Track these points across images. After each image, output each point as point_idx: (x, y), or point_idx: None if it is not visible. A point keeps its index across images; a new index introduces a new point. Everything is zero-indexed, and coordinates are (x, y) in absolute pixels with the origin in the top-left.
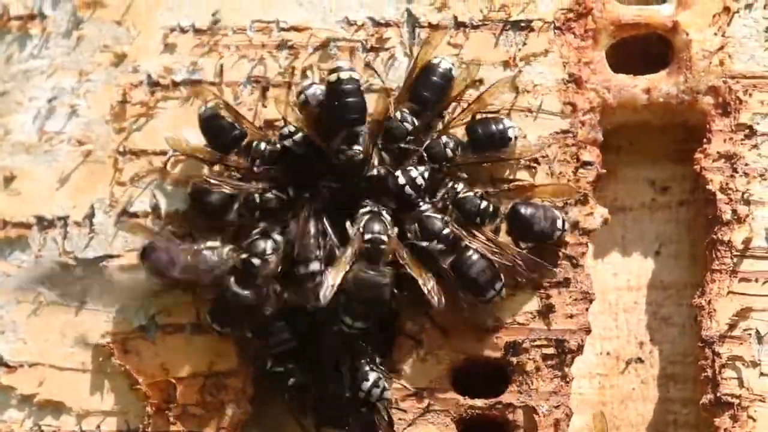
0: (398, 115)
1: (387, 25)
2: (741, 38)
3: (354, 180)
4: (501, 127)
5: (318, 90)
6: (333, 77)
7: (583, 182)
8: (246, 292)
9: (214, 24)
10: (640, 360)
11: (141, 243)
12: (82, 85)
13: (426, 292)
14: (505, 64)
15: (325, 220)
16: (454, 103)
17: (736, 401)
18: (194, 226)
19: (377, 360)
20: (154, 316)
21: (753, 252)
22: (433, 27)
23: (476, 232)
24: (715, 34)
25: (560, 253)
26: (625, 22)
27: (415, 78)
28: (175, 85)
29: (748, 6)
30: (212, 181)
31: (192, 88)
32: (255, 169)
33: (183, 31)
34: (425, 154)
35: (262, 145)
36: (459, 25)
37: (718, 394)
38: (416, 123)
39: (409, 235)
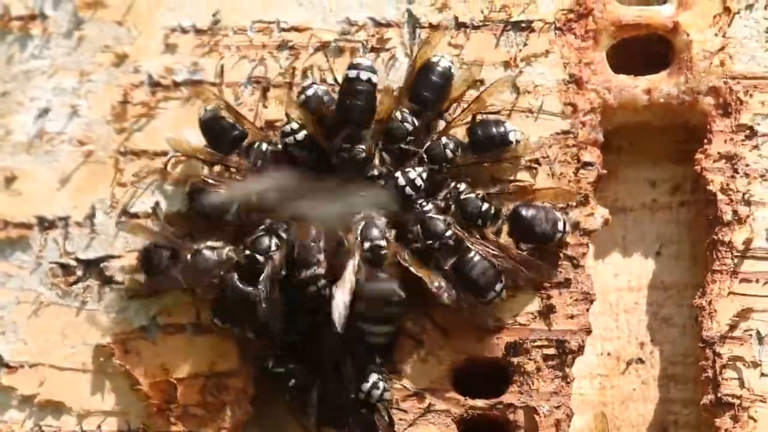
0: (398, 115)
1: (388, 25)
2: (742, 39)
3: (355, 180)
4: (502, 129)
5: (319, 90)
6: (352, 73)
7: (583, 183)
8: (249, 289)
9: (214, 24)
10: (640, 360)
11: (142, 243)
12: (83, 86)
13: (435, 289)
14: (506, 65)
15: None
16: (454, 104)
17: (737, 402)
18: (194, 227)
19: (377, 361)
20: (155, 316)
21: (754, 253)
22: (434, 27)
23: (478, 234)
24: (716, 34)
25: (561, 254)
26: (626, 23)
27: (415, 77)
28: (176, 85)
29: (749, 6)
30: (210, 181)
31: (193, 88)
32: (256, 169)
33: (184, 31)
34: (425, 156)
35: (264, 146)
36: (460, 25)
37: (719, 395)
38: (416, 123)
39: (410, 236)
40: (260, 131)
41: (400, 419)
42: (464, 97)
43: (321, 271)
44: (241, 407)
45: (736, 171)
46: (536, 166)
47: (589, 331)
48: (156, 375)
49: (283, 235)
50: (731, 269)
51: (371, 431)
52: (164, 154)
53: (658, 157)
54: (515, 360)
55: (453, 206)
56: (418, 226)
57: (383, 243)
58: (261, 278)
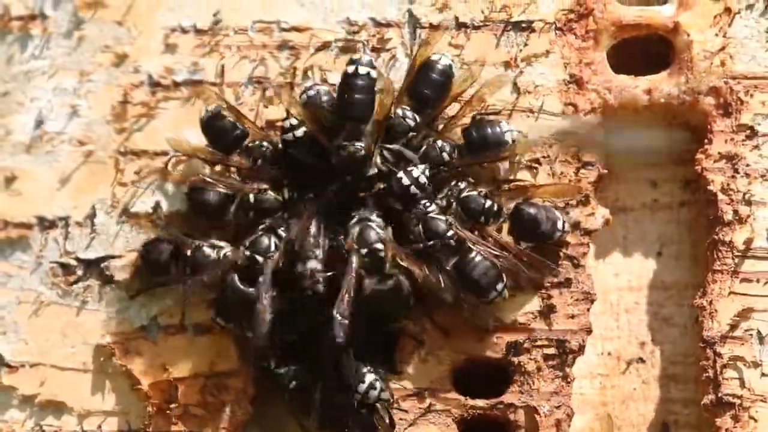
0: (400, 112)
1: (388, 25)
2: (742, 39)
3: (354, 177)
4: (497, 130)
5: (320, 90)
6: (351, 68)
7: (584, 183)
8: (250, 290)
9: (215, 24)
10: (641, 360)
11: (145, 239)
12: (83, 86)
13: (434, 284)
14: (507, 65)
15: (325, 221)
16: (454, 103)
17: (738, 401)
18: (194, 226)
19: (375, 361)
20: (155, 316)
21: (754, 252)
22: (435, 27)
23: (479, 232)
24: (716, 34)
25: (562, 254)
26: (626, 23)
27: (415, 75)
28: (176, 85)
29: (749, 7)
30: (208, 180)
31: (194, 88)
32: (256, 169)
33: (184, 31)
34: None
35: (264, 145)
36: (460, 25)
37: (720, 395)
38: (418, 119)
39: (411, 237)
40: (261, 131)
41: (401, 419)
42: (465, 96)
43: (318, 265)
44: (241, 407)
45: (736, 171)
46: (537, 165)
47: (589, 331)
48: (156, 375)
49: (283, 234)
50: (732, 269)
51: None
52: (164, 153)
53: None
54: (516, 360)
55: (454, 205)
56: (420, 226)
57: (381, 246)
58: (260, 280)
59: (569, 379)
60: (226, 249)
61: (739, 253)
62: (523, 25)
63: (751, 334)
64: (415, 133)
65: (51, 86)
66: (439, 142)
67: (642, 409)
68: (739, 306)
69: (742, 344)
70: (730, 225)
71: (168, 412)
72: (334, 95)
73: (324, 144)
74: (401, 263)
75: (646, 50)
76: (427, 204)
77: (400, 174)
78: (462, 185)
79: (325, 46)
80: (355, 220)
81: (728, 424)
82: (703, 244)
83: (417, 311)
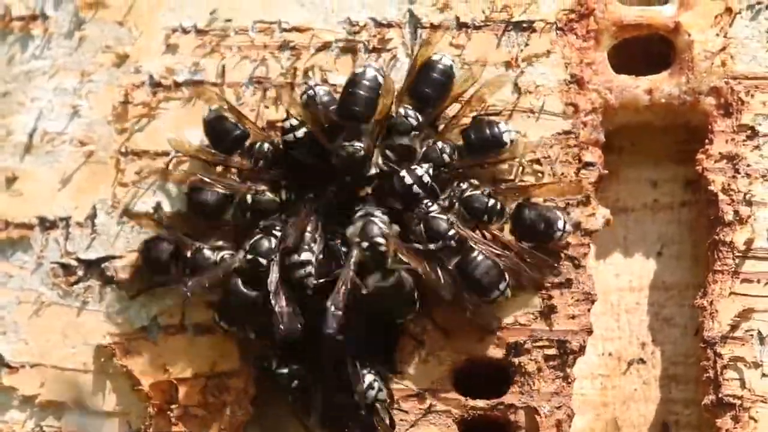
0: (401, 111)
1: (389, 25)
2: (743, 39)
3: (354, 178)
4: (495, 131)
5: (321, 90)
6: (360, 69)
7: (585, 183)
8: (253, 293)
9: (215, 23)
10: (642, 361)
11: (146, 237)
12: (84, 86)
13: (434, 280)
14: (508, 65)
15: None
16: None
17: (738, 402)
18: (194, 227)
19: (374, 361)
20: (156, 317)
21: (755, 253)
22: (435, 28)
23: (482, 232)
24: (717, 35)
25: (562, 254)
26: (627, 23)
27: (416, 75)
28: (177, 85)
29: (750, 7)
30: (207, 180)
31: (195, 88)
32: (257, 170)
33: (185, 31)
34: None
35: (266, 146)
36: (461, 25)
37: (720, 395)
38: (420, 119)
39: (412, 237)
40: (262, 131)
41: (401, 420)
42: (465, 96)
43: (309, 257)
44: (242, 407)
45: (737, 171)
46: (538, 166)
47: (590, 332)
48: (157, 375)
49: (279, 233)
50: (732, 269)
51: None
52: (165, 154)
53: (659, 157)
54: (516, 360)
55: (457, 204)
56: (421, 225)
57: (382, 241)
58: (269, 281)
59: (570, 380)
60: (227, 252)
61: (740, 254)
62: (524, 25)
63: (751, 335)
64: (416, 133)
65: (52, 86)
66: (439, 144)
67: (643, 409)
68: (739, 306)
69: (743, 345)
70: (731, 225)
71: (168, 412)
72: (335, 96)
73: (324, 144)
74: (402, 259)
75: (647, 50)
76: (429, 204)
77: (403, 173)
78: (464, 185)
79: (325, 47)
80: (359, 213)
81: (729, 425)
82: (703, 245)
83: (418, 311)
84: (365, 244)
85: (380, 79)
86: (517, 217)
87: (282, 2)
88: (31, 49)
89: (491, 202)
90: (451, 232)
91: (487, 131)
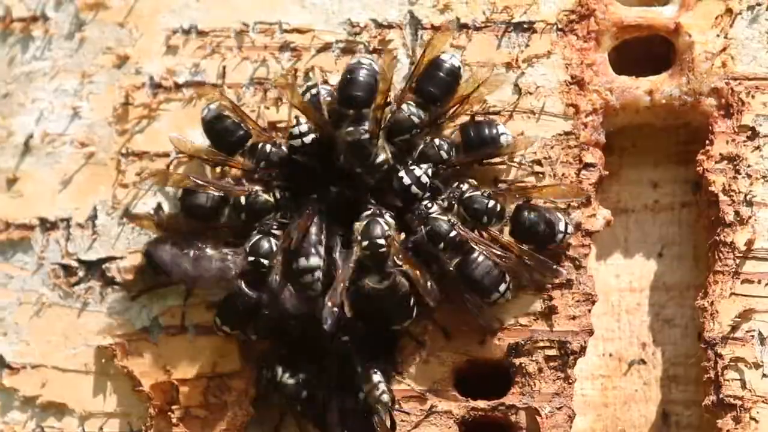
0: (405, 107)
1: (389, 26)
2: (743, 40)
3: (362, 165)
4: (494, 132)
5: (323, 91)
6: (354, 60)
7: (585, 184)
8: (257, 294)
9: (216, 24)
10: (642, 361)
11: (147, 239)
12: (84, 87)
13: (421, 289)
14: (508, 66)
15: (328, 223)
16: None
17: (739, 403)
18: (191, 229)
19: (376, 363)
20: (156, 317)
21: (756, 253)
22: (436, 29)
23: (482, 233)
24: (718, 35)
25: (563, 255)
26: (628, 24)
27: (422, 73)
28: (178, 86)
29: (751, 8)
30: (200, 183)
31: (198, 89)
32: (258, 171)
33: (185, 32)
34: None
35: (268, 147)
36: (462, 26)
37: (721, 396)
38: (423, 116)
39: (412, 238)
40: (264, 132)
41: (402, 420)
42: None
43: (318, 262)
44: (243, 408)
45: (737, 172)
46: (538, 167)
47: (591, 332)
48: (158, 376)
49: (278, 233)
50: (733, 270)
51: None
52: (166, 155)
53: (660, 158)
54: (517, 361)
55: (456, 205)
56: (422, 227)
57: (382, 242)
58: (270, 280)
59: (571, 381)
60: (230, 253)
61: (741, 254)
62: (525, 26)
63: (752, 335)
64: (419, 130)
65: (52, 88)
66: (437, 141)
67: (643, 410)
68: (740, 307)
69: (743, 345)
70: (732, 226)
71: (169, 413)
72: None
73: (329, 133)
74: (398, 262)
75: (648, 51)
76: (429, 204)
77: (402, 173)
78: (464, 186)
79: (326, 48)
80: (368, 212)
81: (729, 425)
82: (704, 245)
83: (413, 318)
84: (365, 243)
85: (376, 66)
86: (516, 219)
87: (283, 3)
88: (31, 50)
89: (491, 203)
90: (453, 234)
91: (486, 131)
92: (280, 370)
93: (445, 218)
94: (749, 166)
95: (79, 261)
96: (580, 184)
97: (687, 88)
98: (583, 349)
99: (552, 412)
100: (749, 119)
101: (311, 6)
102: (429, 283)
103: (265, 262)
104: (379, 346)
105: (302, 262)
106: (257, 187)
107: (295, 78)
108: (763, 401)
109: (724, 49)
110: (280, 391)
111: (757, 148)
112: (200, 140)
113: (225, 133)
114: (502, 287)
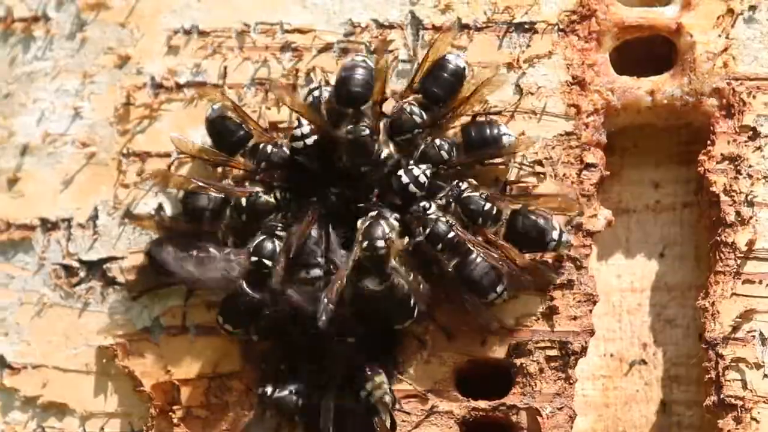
0: (407, 107)
1: (391, 27)
2: (745, 40)
3: (367, 161)
4: (496, 132)
5: (325, 93)
6: (348, 59)
7: (587, 184)
8: (260, 294)
9: (217, 24)
10: (643, 362)
11: (150, 239)
12: (85, 87)
13: (415, 288)
14: (509, 66)
15: (329, 226)
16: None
17: (740, 403)
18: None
19: (378, 363)
20: (158, 317)
21: (757, 254)
22: (437, 29)
23: (479, 234)
24: (719, 36)
25: (564, 256)
26: (629, 24)
27: (426, 72)
28: (179, 87)
29: (752, 8)
30: (200, 184)
31: (200, 89)
32: (259, 171)
33: (186, 33)
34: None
35: (269, 148)
36: (463, 27)
37: (722, 396)
38: (425, 116)
39: (411, 239)
40: (265, 132)
41: (403, 421)
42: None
43: (318, 273)
44: (244, 408)
45: (739, 172)
46: (540, 168)
47: (592, 333)
48: (159, 376)
49: (281, 234)
50: (734, 270)
51: None
52: (167, 155)
53: (661, 158)
54: (518, 361)
55: (454, 204)
56: (421, 227)
57: (381, 243)
58: (273, 281)
59: (572, 381)
60: (234, 252)
61: (742, 255)
62: (526, 26)
63: (753, 336)
64: (421, 130)
65: (54, 88)
66: (438, 141)
67: (644, 410)
68: (741, 307)
69: (745, 345)
70: (733, 226)
71: (170, 413)
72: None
73: (331, 135)
74: (395, 264)
75: (649, 51)
76: (426, 205)
77: (400, 172)
78: (463, 185)
79: (327, 48)
80: (372, 213)
81: (730, 426)
82: (705, 246)
83: (414, 320)
84: (365, 244)
85: (370, 62)
86: (511, 224)
87: (284, 4)
88: (33, 50)
89: (488, 205)
90: (451, 235)
91: (488, 131)
92: (270, 389)
93: (444, 219)
94: (750, 166)
95: (80, 261)
96: (581, 184)
97: (688, 88)
98: (584, 350)
99: (553, 413)
100: (750, 119)
101: (312, 6)
102: (420, 286)
103: (268, 262)
104: (379, 346)
105: (302, 274)
106: (258, 188)
107: (296, 78)
108: (764, 401)
109: (725, 50)
110: (275, 407)
111: (759, 148)
112: (201, 140)
113: (226, 133)
114: (500, 288)
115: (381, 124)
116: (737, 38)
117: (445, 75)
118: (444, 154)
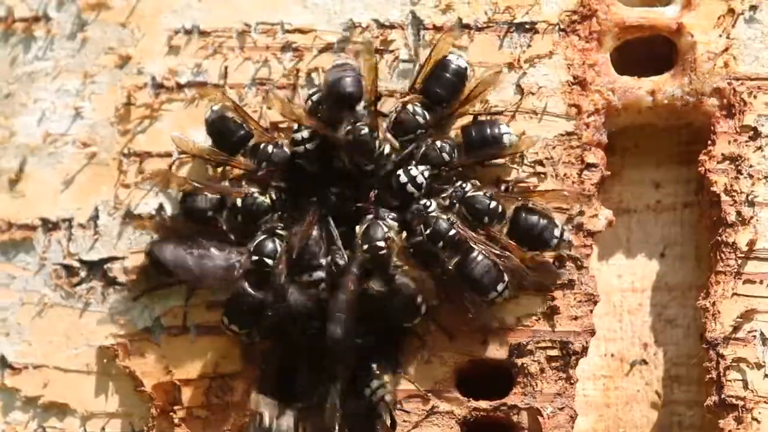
0: (410, 107)
1: (391, 27)
2: (746, 40)
3: (370, 159)
4: (497, 131)
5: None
6: (333, 62)
7: (587, 184)
8: (262, 294)
9: (218, 24)
10: (644, 362)
11: (150, 240)
12: (86, 87)
13: (426, 288)
14: (510, 66)
15: (331, 226)
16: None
17: (741, 403)
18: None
19: (379, 363)
20: (159, 318)
21: (757, 254)
22: (438, 29)
23: (482, 233)
24: (720, 36)
25: (565, 256)
26: (630, 24)
27: (429, 73)
28: (180, 87)
29: (753, 8)
30: (197, 185)
31: (200, 89)
32: (260, 172)
33: (187, 33)
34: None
35: (269, 148)
36: (464, 27)
37: (723, 396)
38: (427, 117)
39: (412, 238)
40: (266, 132)
41: (404, 420)
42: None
43: (321, 275)
44: (245, 409)
45: (739, 172)
46: (540, 168)
47: (593, 333)
48: (160, 376)
49: (282, 233)
50: (735, 270)
51: None
52: (168, 155)
53: (662, 158)
54: (519, 361)
55: (457, 204)
56: (422, 225)
57: (382, 244)
58: (274, 280)
59: (572, 381)
60: (234, 252)
61: (742, 255)
62: (527, 26)
63: (754, 336)
64: (423, 131)
65: (54, 88)
66: (438, 143)
67: (645, 410)
68: (742, 307)
69: (745, 345)
70: (734, 226)
71: (171, 414)
72: None
73: (331, 138)
74: (399, 263)
75: (650, 51)
76: (427, 203)
77: (399, 171)
78: (467, 186)
79: (328, 48)
80: (369, 216)
81: (731, 426)
82: (706, 246)
83: (421, 318)
84: (366, 246)
85: (353, 62)
86: (514, 221)
87: (285, 4)
88: (33, 50)
89: (493, 204)
90: (452, 233)
91: (488, 131)
92: (267, 416)
93: (445, 217)
94: (751, 166)
95: (81, 261)
96: (582, 184)
97: (689, 88)
98: (585, 350)
99: (554, 413)
100: (751, 119)
101: (313, 6)
102: (425, 282)
103: (270, 261)
104: (381, 346)
105: (305, 278)
106: (253, 189)
107: (296, 78)
108: (765, 402)
109: (726, 50)
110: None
111: (759, 148)
112: (202, 140)
113: (227, 133)
114: (500, 286)
115: (378, 121)
116: (738, 38)
117: (447, 75)
118: (445, 155)
